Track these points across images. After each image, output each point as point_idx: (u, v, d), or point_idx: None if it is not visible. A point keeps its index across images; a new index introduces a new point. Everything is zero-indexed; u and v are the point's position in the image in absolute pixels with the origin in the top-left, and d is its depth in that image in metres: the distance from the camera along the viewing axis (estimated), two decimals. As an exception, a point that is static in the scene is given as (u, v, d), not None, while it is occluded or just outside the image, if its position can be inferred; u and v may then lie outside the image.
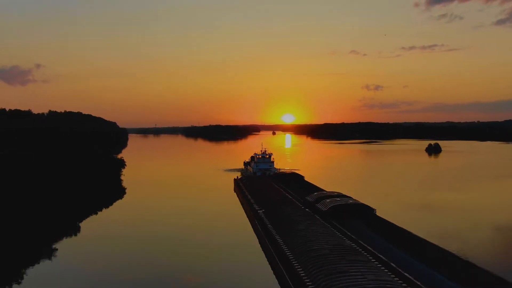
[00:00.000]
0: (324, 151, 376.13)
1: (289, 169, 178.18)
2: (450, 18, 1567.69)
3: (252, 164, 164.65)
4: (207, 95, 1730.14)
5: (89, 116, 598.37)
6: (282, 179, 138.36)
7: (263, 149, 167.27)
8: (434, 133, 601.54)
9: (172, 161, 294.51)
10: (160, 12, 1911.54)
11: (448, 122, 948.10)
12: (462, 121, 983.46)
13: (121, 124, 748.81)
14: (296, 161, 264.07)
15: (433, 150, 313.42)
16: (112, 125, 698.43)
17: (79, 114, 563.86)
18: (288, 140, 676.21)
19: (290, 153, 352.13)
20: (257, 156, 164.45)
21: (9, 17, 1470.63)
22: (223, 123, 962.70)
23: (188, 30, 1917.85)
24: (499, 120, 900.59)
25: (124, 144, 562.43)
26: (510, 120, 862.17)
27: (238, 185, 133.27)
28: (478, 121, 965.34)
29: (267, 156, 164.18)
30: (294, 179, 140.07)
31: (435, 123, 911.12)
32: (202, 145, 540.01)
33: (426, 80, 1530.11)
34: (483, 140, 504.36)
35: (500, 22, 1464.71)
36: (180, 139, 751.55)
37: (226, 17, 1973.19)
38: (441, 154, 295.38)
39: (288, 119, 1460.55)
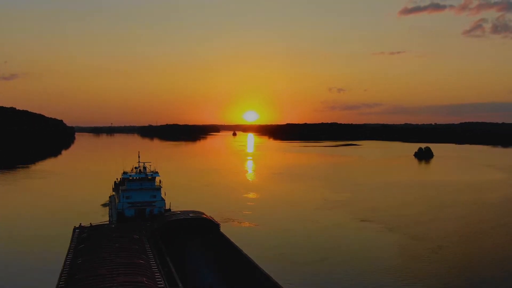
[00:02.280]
0: (291, 157, 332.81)
1: (193, 212, 75.67)
2: (420, 28, 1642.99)
3: (120, 192, 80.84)
4: (167, 94, 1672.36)
5: (25, 112, 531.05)
6: (174, 234, 67.07)
7: (141, 164, 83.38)
8: (402, 135, 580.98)
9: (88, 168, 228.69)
10: (116, 10, 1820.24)
11: (406, 124, 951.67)
12: (420, 123, 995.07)
13: (71, 123, 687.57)
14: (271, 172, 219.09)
15: (424, 156, 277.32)
16: (57, 122, 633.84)
17: (11, 109, 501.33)
18: (250, 142, 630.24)
19: (254, 160, 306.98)
20: (129, 178, 79.46)
21: None
22: (182, 123, 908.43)
23: (149, 29, 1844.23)
24: (455, 123, 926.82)
25: (67, 144, 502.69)
26: (465, 123, 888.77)
27: (75, 254, 52.07)
28: (436, 123, 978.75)
29: (150, 178, 79.80)
30: (198, 233, 69.25)
31: (394, 124, 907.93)
32: (149, 146, 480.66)
33: (387, 84, 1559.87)
34: (459, 143, 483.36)
35: (466, 32, 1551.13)
36: (135, 139, 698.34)
37: (189, 17, 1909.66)
38: (436, 161, 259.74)
39: (250, 117, 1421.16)
